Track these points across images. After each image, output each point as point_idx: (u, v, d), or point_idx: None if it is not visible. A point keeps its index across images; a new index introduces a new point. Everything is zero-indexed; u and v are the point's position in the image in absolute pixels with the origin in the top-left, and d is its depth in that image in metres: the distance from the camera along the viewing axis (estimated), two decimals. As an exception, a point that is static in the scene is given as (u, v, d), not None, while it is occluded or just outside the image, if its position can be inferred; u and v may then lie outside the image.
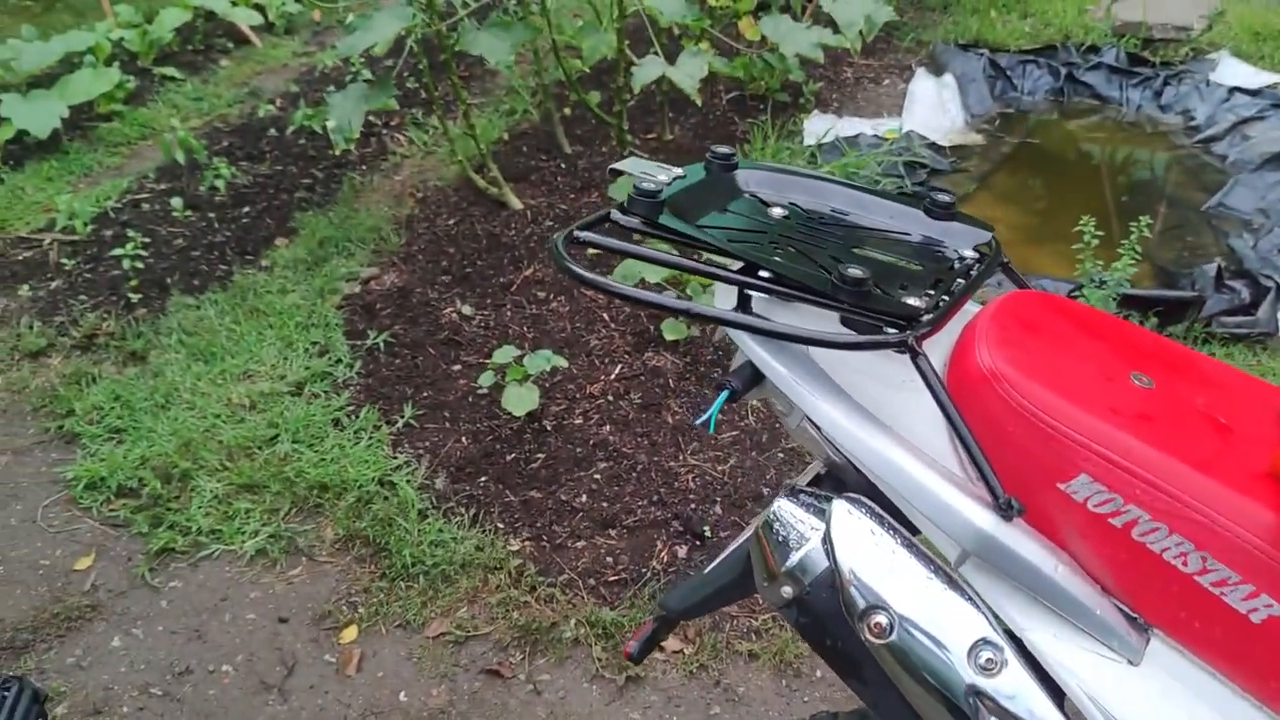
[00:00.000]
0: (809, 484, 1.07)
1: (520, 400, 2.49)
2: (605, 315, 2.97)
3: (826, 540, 0.94)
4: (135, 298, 3.11)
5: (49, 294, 3.19)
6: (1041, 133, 4.28)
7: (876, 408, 0.93)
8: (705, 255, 1.04)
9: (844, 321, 0.96)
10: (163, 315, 3.07)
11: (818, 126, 4.02)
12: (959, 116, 4.31)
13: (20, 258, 3.39)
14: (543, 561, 2.24)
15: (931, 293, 0.95)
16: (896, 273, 0.98)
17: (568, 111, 4.11)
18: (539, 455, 2.50)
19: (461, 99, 3.36)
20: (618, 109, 3.28)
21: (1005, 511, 0.85)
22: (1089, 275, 2.75)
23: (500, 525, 2.33)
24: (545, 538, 2.30)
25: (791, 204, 1.13)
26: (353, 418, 2.65)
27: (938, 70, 4.56)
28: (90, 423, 2.67)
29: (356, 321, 3.03)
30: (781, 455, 2.49)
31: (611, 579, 2.20)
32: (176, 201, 3.60)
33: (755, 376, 1.01)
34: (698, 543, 2.27)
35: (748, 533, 1.17)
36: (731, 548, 1.21)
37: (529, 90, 4.37)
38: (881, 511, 0.93)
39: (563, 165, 3.80)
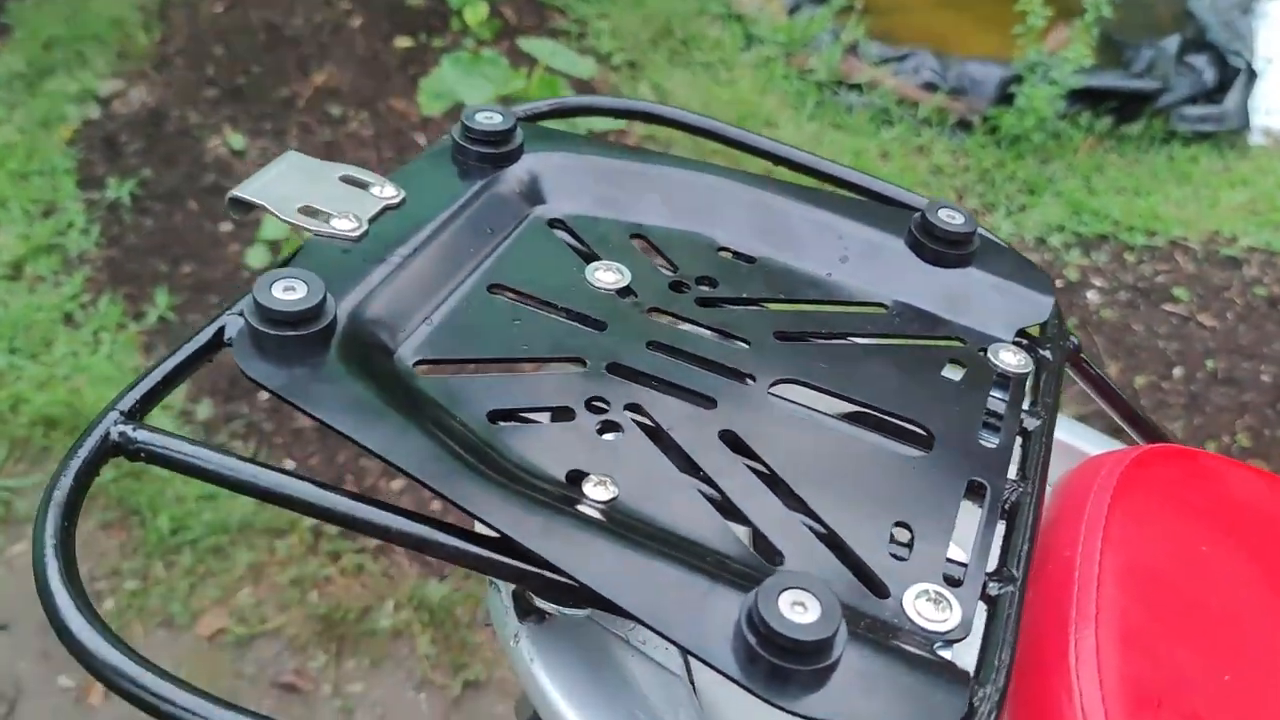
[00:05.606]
0: None
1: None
2: (422, 139, 2.31)
3: None
4: None
5: None
6: None
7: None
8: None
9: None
10: None
11: None
12: None
13: None
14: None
15: (958, 564, 0.41)
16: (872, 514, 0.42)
17: None
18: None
19: None
20: None
21: None
22: (1030, 64, 2.18)
23: (293, 465, 1.78)
24: (355, 477, 1.76)
25: (637, 237, 0.55)
26: (90, 310, 2.01)
27: None
28: None
29: (94, 164, 2.30)
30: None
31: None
32: None
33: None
34: None
35: None
36: None
37: None
38: None
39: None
